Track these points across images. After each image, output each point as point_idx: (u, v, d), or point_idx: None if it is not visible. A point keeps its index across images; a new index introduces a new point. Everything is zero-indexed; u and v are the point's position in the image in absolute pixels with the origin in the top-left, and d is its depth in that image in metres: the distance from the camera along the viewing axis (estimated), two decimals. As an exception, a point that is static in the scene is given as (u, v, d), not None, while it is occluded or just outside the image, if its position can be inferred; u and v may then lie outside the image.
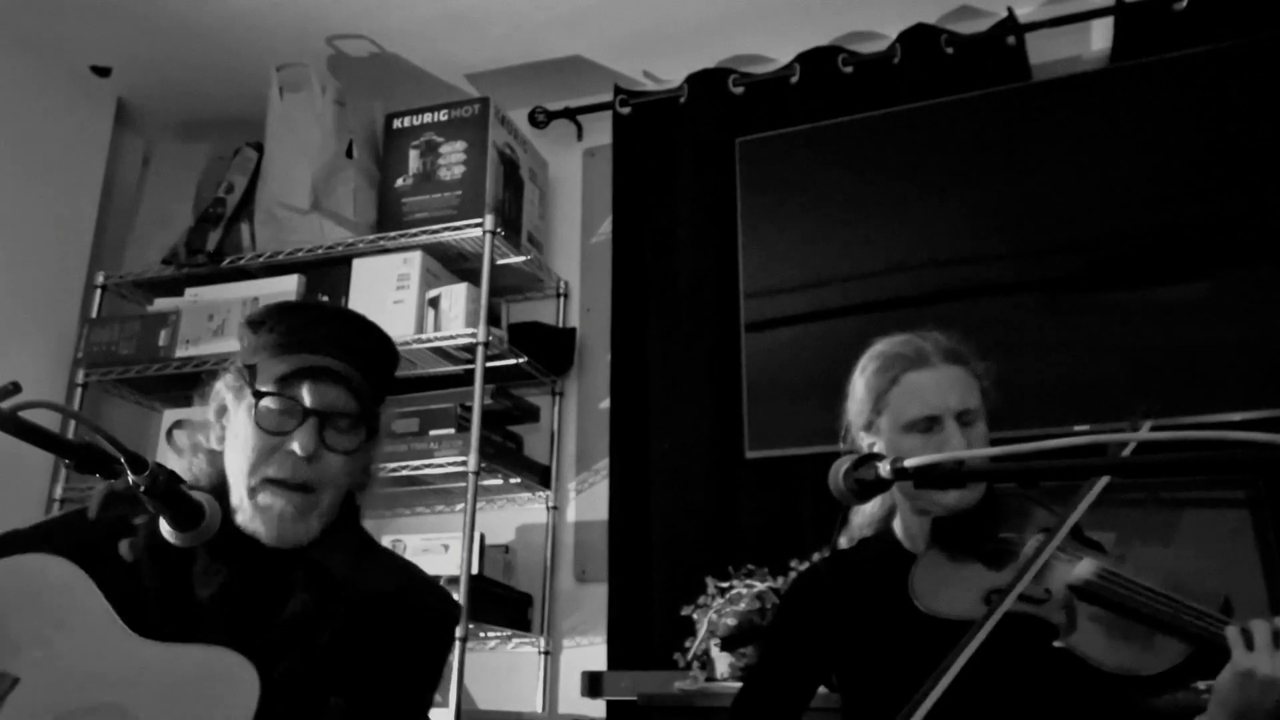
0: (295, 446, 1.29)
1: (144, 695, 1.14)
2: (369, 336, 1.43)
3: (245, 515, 1.30)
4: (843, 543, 1.69)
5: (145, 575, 1.27)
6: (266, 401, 1.31)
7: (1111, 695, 1.35)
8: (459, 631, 2.38)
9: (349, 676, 1.27)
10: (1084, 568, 1.39)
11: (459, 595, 2.43)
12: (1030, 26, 2.75)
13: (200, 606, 1.27)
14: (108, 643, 1.20)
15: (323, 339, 1.36)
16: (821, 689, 1.59)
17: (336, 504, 1.37)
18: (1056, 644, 1.34)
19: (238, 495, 1.31)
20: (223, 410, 1.38)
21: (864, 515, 1.66)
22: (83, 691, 1.16)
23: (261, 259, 2.94)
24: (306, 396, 1.31)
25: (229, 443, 1.35)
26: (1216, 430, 0.96)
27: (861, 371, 1.60)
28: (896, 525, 1.60)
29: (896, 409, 1.51)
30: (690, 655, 2.34)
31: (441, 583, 2.54)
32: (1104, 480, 1.43)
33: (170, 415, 2.98)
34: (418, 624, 1.38)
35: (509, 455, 2.83)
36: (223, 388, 1.39)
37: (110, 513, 1.18)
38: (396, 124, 3.00)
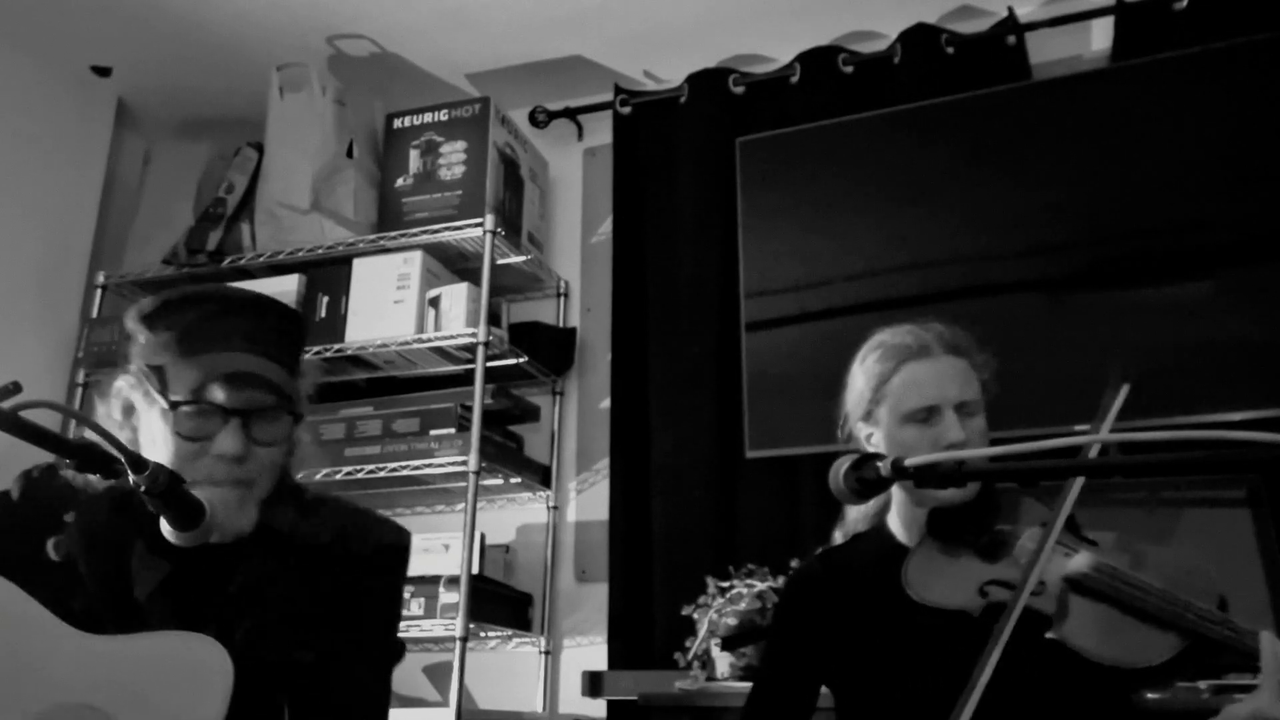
0: (223, 450, 1.25)
1: (115, 692, 1.11)
2: (273, 317, 1.36)
3: None
4: (837, 537, 1.69)
5: (84, 575, 1.24)
6: (183, 410, 1.25)
7: (1104, 687, 1.35)
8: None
9: (310, 630, 1.27)
10: (1080, 561, 1.39)
11: (459, 595, 2.44)
12: (1030, 26, 2.75)
13: (141, 605, 1.24)
14: (59, 642, 1.15)
15: (230, 333, 1.30)
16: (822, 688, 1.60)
17: (272, 485, 1.33)
18: (1049, 635, 1.34)
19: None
20: (130, 411, 1.32)
21: (858, 510, 1.66)
22: (46, 693, 1.11)
23: (262, 259, 2.94)
24: (224, 397, 1.26)
25: (144, 446, 1.28)
26: (1217, 430, 0.96)
27: (861, 361, 1.60)
28: (892, 519, 1.60)
29: (896, 399, 1.51)
30: (691, 655, 2.34)
31: (442, 583, 2.55)
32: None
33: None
34: (368, 562, 1.37)
35: (509, 455, 2.83)
36: (125, 387, 1.32)
37: (36, 502, 1.13)
38: (397, 124, 3.00)
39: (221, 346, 1.28)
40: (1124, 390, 1.45)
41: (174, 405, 1.25)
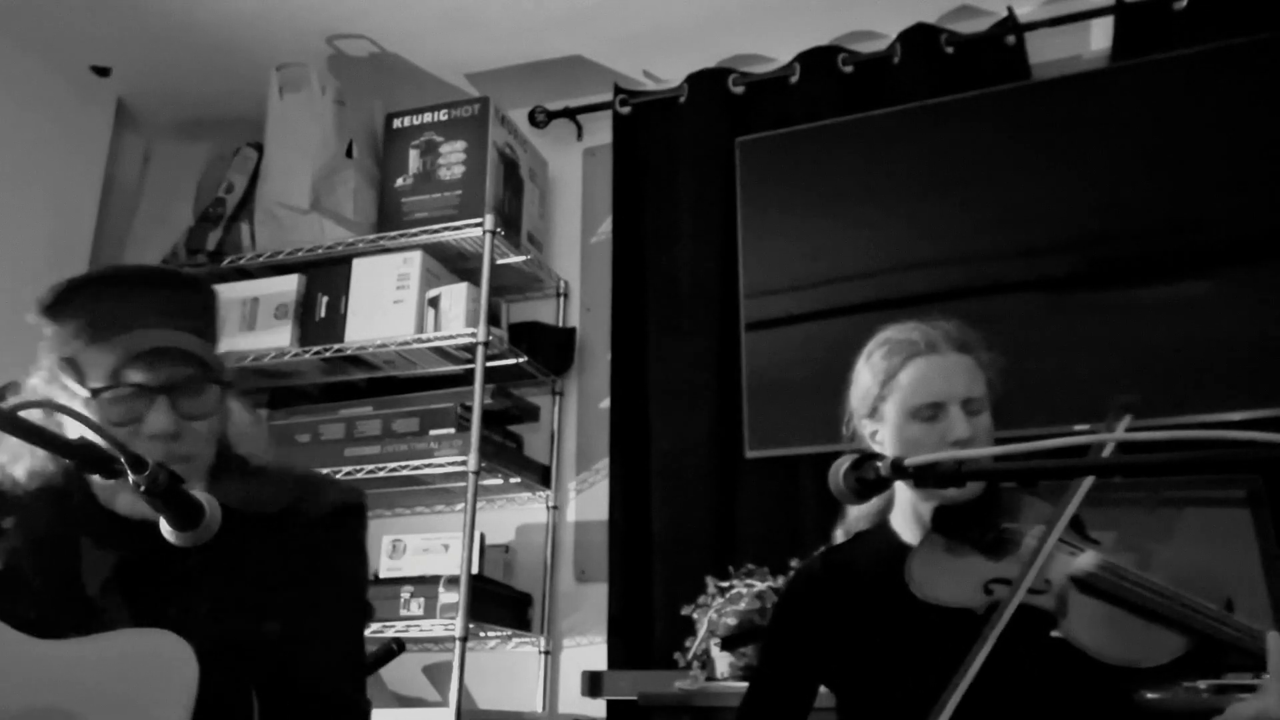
0: (155, 429, 1.21)
1: (81, 693, 1.09)
2: (179, 288, 1.33)
3: (126, 503, 1.23)
4: (839, 536, 1.69)
5: (32, 580, 1.22)
6: (105, 396, 1.21)
7: (1108, 685, 1.35)
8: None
9: (273, 601, 1.24)
10: (1086, 560, 1.39)
11: (459, 595, 2.44)
12: (1030, 26, 2.75)
13: (93, 601, 1.22)
14: (14, 649, 1.13)
15: (138, 311, 1.25)
16: (821, 688, 1.60)
17: (212, 458, 1.31)
18: (1054, 634, 1.34)
19: (106, 486, 1.24)
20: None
21: (860, 509, 1.66)
22: (10, 699, 1.09)
23: (261, 259, 2.94)
24: (145, 377, 1.22)
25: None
26: (1217, 429, 0.96)
27: (867, 358, 1.59)
28: (894, 517, 1.60)
29: (902, 395, 1.51)
30: (690, 655, 2.34)
31: (441, 583, 2.55)
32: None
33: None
34: (324, 524, 1.34)
35: (509, 455, 2.83)
36: (39, 385, 1.28)
37: None
38: (396, 124, 3.00)
39: (132, 325, 1.24)
40: (1125, 420, 1.45)
41: (95, 393, 1.21)
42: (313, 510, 1.34)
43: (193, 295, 1.34)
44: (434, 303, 2.78)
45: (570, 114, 3.24)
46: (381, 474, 2.70)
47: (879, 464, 1.22)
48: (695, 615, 2.38)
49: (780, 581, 2.32)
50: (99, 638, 1.14)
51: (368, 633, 2.57)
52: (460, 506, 2.66)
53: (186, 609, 1.19)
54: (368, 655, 1.44)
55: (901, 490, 1.57)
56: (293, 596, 1.26)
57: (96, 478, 1.21)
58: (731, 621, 2.27)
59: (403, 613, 2.55)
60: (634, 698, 2.30)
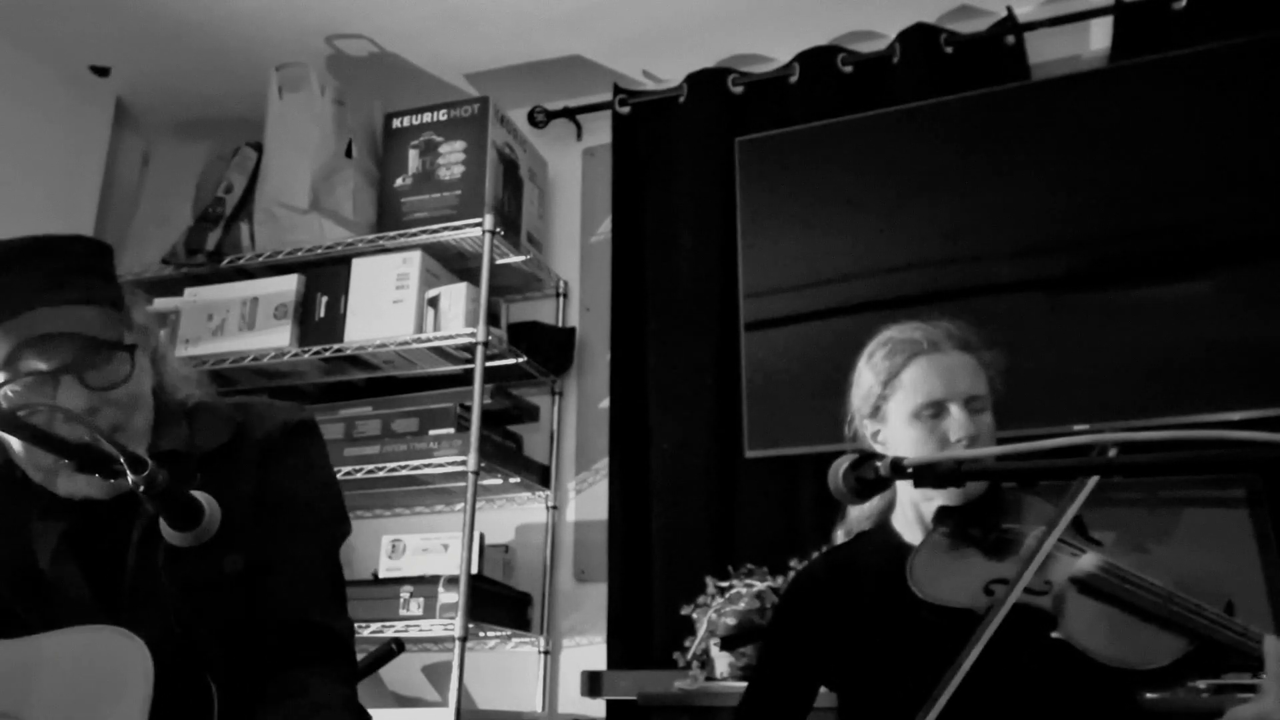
0: (69, 410, 1.15)
1: (28, 697, 1.07)
2: (62, 257, 1.24)
3: (64, 485, 1.20)
4: (840, 536, 1.69)
5: None
6: (6, 389, 1.16)
7: (1108, 687, 1.35)
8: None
9: (233, 535, 1.17)
10: (1087, 561, 1.39)
11: (459, 595, 2.44)
12: (1030, 26, 2.75)
13: (46, 574, 1.20)
14: None
15: (20, 291, 1.18)
16: (822, 688, 1.60)
17: (150, 415, 1.26)
18: (1054, 635, 1.34)
19: (41, 473, 1.21)
20: None
21: (861, 509, 1.66)
22: None
23: (261, 259, 2.93)
24: (42, 362, 1.16)
25: None
26: (1217, 429, 0.96)
27: (869, 358, 1.60)
28: (896, 517, 1.60)
29: (905, 394, 1.51)
30: (690, 655, 2.34)
31: (441, 583, 2.55)
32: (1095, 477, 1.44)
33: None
34: (273, 446, 1.30)
35: (508, 455, 2.82)
36: None
37: None
38: (396, 124, 2.99)
39: (17, 309, 1.17)
40: (1113, 450, 1.45)
41: None
42: (258, 435, 1.30)
43: (77, 261, 1.25)
44: (433, 303, 2.78)
45: (570, 114, 3.24)
46: (381, 474, 2.70)
47: (878, 463, 1.22)
48: (695, 615, 2.38)
49: (780, 581, 2.32)
50: (49, 637, 1.11)
51: (369, 631, 2.58)
52: (460, 506, 2.66)
53: (145, 564, 1.17)
54: (342, 585, 1.37)
55: (903, 490, 1.57)
56: (249, 527, 1.23)
57: (23, 457, 1.20)
58: (731, 621, 2.27)
59: (402, 613, 2.55)
60: (633, 698, 2.30)
